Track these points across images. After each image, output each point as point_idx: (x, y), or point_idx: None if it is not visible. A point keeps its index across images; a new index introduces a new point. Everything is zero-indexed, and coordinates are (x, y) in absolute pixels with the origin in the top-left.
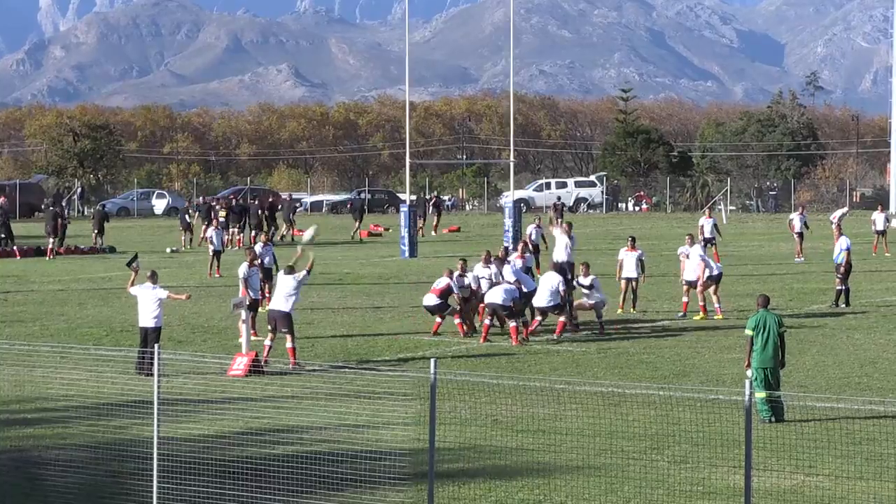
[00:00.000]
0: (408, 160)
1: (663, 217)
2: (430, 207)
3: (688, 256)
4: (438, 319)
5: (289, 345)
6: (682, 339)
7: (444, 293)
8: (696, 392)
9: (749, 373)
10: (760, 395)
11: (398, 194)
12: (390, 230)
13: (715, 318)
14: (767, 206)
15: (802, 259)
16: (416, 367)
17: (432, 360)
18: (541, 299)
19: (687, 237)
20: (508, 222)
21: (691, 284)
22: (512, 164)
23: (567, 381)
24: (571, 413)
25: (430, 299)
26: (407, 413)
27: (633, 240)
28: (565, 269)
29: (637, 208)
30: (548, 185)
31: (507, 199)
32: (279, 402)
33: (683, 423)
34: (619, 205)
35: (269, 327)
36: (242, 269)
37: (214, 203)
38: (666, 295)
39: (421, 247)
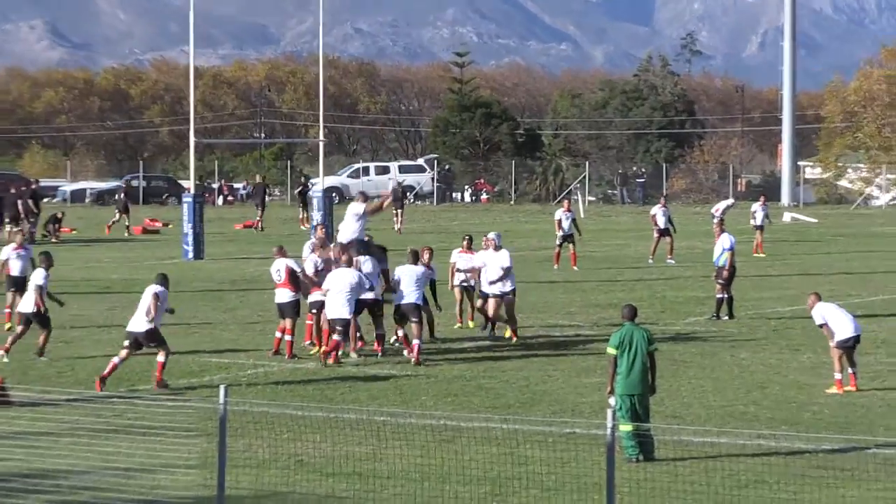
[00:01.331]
0: (192, 139)
1: (508, 210)
2: (297, 196)
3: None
4: (285, 332)
5: (160, 358)
6: (530, 361)
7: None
8: (546, 425)
9: (612, 401)
10: (625, 427)
11: (180, 181)
12: (170, 225)
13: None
14: (634, 197)
15: (672, 261)
16: (202, 396)
17: (221, 388)
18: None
19: (464, 239)
20: (317, 216)
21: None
22: (322, 145)
23: (389, 412)
24: (394, 452)
25: (283, 294)
26: (190, 453)
27: (470, 239)
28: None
29: (475, 199)
30: (365, 171)
31: (316, 187)
32: (31, 441)
33: (532, 462)
34: (454, 194)
35: (125, 343)
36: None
37: None
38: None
39: (210, 246)
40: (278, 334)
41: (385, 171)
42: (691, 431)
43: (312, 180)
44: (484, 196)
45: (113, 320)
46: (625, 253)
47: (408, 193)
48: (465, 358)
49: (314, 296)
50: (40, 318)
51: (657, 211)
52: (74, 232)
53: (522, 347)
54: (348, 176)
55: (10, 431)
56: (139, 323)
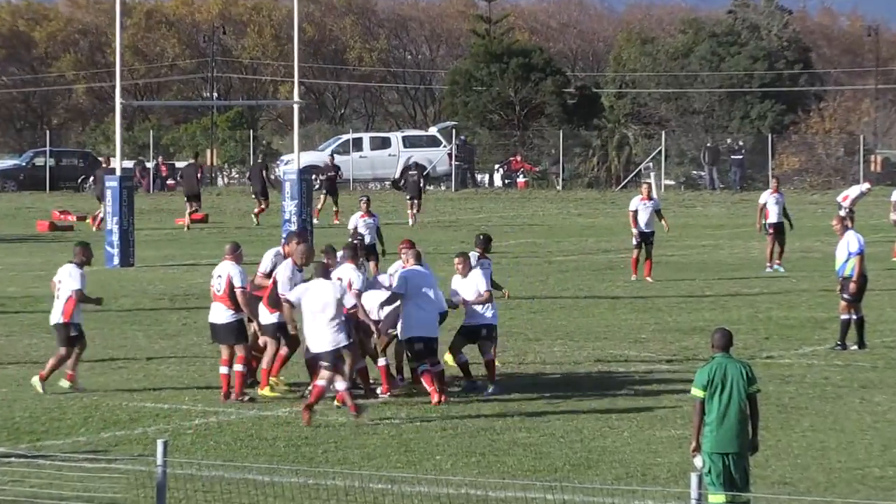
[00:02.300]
0: (118, 100)
1: (553, 198)
2: (320, 181)
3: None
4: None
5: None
6: (584, 407)
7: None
8: (608, 495)
9: (698, 461)
10: (717, 499)
11: (101, 159)
12: (88, 220)
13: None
14: (728, 180)
15: (780, 268)
16: (131, 454)
17: (159, 443)
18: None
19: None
20: (290, 206)
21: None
22: (297, 109)
23: (390, 476)
24: None
25: (267, 317)
26: None
27: (487, 241)
28: None
29: (508, 182)
30: (358, 144)
31: (288, 166)
32: None
33: None
34: (479, 177)
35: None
36: None
37: None
38: (561, 329)
39: (144, 248)
40: (224, 369)
41: (384, 144)
42: None
43: (284, 157)
44: (521, 179)
45: (10, 350)
46: (715, 257)
47: (424, 176)
48: (493, 402)
49: (271, 317)
50: None
51: (768, 199)
52: None
53: (571, 389)
54: (334, 151)
55: None
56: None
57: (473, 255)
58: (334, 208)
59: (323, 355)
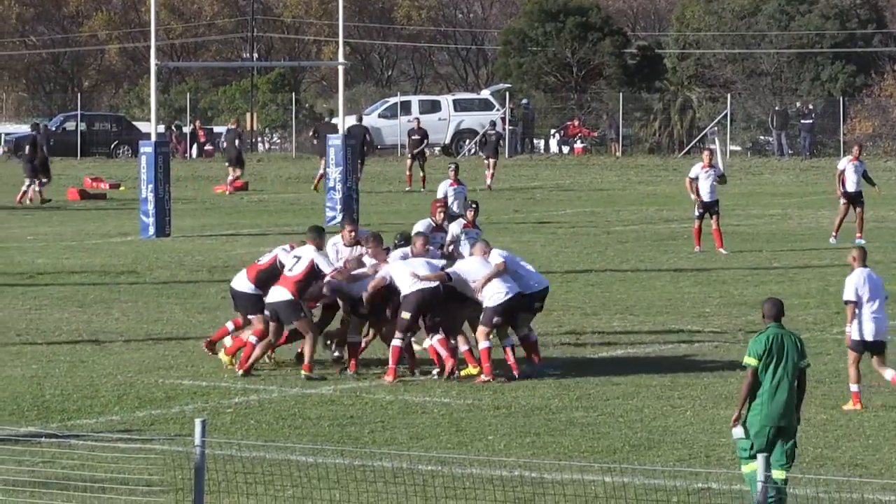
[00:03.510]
0: (153, 61)
1: (612, 164)
2: (413, 139)
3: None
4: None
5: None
6: (644, 385)
7: (305, 281)
8: (669, 477)
9: (739, 431)
10: (751, 468)
11: (136, 123)
12: (122, 187)
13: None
14: (797, 145)
15: (860, 241)
16: (168, 434)
17: (197, 423)
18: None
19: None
20: (334, 172)
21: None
22: (342, 70)
23: (440, 458)
24: None
25: (279, 293)
26: None
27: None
28: None
29: (565, 148)
30: (406, 108)
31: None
32: None
33: None
34: (535, 142)
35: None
36: None
37: None
38: (620, 304)
39: (181, 217)
40: (253, 338)
41: (434, 107)
42: (878, 486)
43: (329, 119)
44: (578, 145)
45: (40, 325)
46: (783, 227)
47: (502, 140)
48: (548, 380)
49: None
50: None
51: (846, 166)
52: None
53: (631, 366)
54: (380, 115)
55: None
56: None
57: (459, 224)
58: (420, 174)
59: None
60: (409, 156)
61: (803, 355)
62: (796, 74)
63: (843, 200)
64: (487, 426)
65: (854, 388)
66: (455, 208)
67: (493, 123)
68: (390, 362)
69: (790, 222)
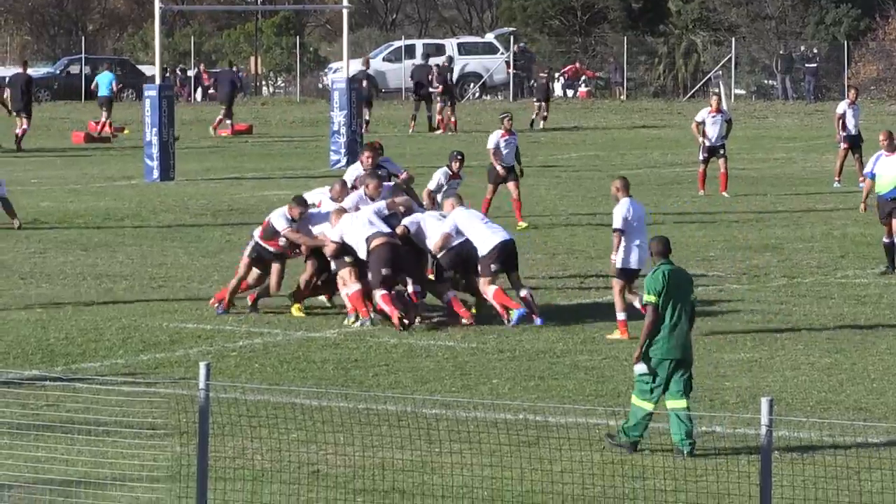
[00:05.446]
0: (157, 4)
1: (616, 108)
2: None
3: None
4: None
5: None
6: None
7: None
8: (656, 419)
9: (641, 368)
10: (648, 406)
11: (140, 67)
12: (126, 131)
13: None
14: (801, 90)
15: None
16: (172, 378)
17: (202, 366)
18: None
19: None
20: (338, 116)
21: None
22: (346, 14)
23: (444, 401)
24: (452, 459)
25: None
26: (157, 460)
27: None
28: None
29: (571, 92)
30: (410, 51)
31: (337, 75)
32: None
33: (651, 475)
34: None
35: None
36: None
37: None
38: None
39: (185, 161)
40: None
41: (439, 51)
42: (882, 430)
43: (332, 65)
44: (582, 88)
45: (44, 268)
46: (788, 171)
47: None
48: (553, 324)
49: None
50: None
51: (845, 110)
52: None
53: (635, 310)
54: (385, 59)
55: None
56: None
57: (443, 172)
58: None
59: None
60: (439, 100)
61: (692, 289)
62: (801, 18)
63: (843, 144)
64: (492, 370)
65: (621, 316)
66: (507, 159)
67: (548, 69)
68: (389, 310)
69: (794, 166)
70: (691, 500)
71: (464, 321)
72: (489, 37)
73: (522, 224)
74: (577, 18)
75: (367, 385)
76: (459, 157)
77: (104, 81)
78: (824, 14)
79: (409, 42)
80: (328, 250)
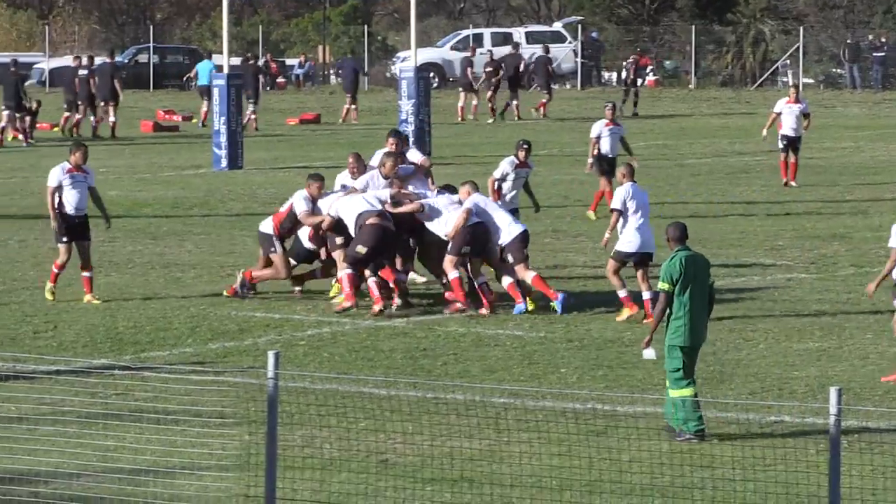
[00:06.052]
0: None
1: (685, 97)
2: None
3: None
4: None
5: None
6: (717, 318)
7: (288, 219)
8: (742, 410)
9: (650, 353)
10: (686, 392)
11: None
12: (195, 120)
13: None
14: (869, 78)
15: None
16: (241, 367)
17: (271, 355)
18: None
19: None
20: (406, 105)
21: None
22: (414, 3)
23: (513, 390)
24: (520, 449)
25: (265, 224)
26: (225, 449)
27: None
28: None
29: (638, 80)
30: (478, 40)
31: (405, 64)
32: None
33: (721, 464)
34: (605, 74)
35: None
36: None
37: None
38: (692, 236)
39: (253, 150)
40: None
41: (507, 39)
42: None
43: (400, 54)
44: (650, 77)
45: (112, 257)
46: (856, 160)
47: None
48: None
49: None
50: None
51: None
52: (56, 130)
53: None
54: (453, 47)
55: None
56: None
57: (509, 161)
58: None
59: None
60: (489, 88)
61: (710, 275)
62: (869, 7)
63: None
64: (560, 359)
65: (623, 293)
66: (609, 150)
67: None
68: (347, 293)
69: (862, 155)
70: (760, 489)
71: (518, 307)
72: (557, 25)
73: (591, 215)
74: (645, 7)
75: (436, 374)
76: (525, 146)
77: (204, 70)
78: (892, 3)
79: (476, 31)
80: (324, 224)
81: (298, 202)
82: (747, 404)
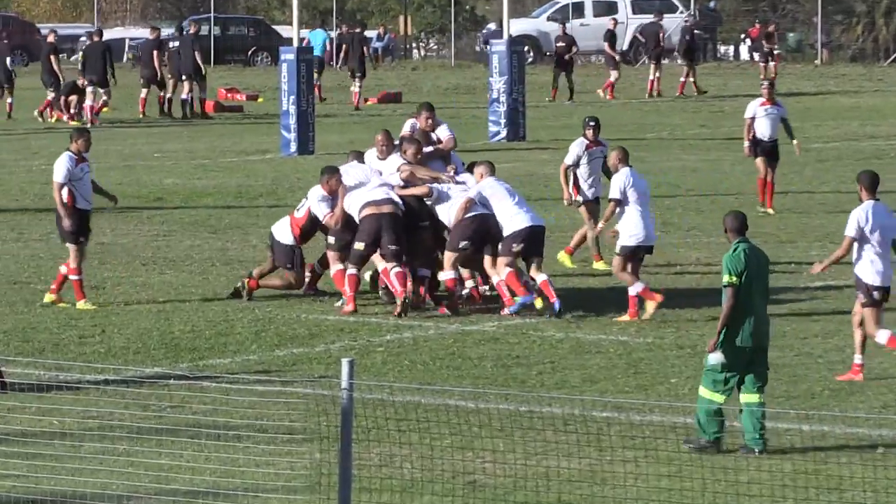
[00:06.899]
0: None
1: (811, 73)
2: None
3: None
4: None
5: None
6: (846, 318)
7: (309, 223)
8: (874, 426)
9: (718, 357)
10: (718, 399)
11: (276, 27)
12: (261, 99)
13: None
14: None
15: None
16: (311, 376)
17: (345, 363)
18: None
19: None
20: (498, 83)
21: None
22: None
23: (616, 403)
24: (626, 468)
25: (284, 233)
26: (294, 468)
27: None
28: None
29: (758, 56)
30: (578, 9)
31: (495, 36)
32: (37, 448)
33: (851, 486)
34: (722, 48)
35: None
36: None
37: None
38: (819, 230)
39: (325, 133)
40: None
41: (610, 9)
42: None
43: (491, 25)
44: (774, 53)
45: (168, 252)
46: None
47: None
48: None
49: None
50: None
51: None
52: (106, 110)
53: (832, 300)
54: (549, 18)
55: (4, 432)
56: None
57: (578, 143)
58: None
59: None
60: (554, 66)
61: (769, 271)
62: None
63: None
64: (670, 367)
65: (639, 287)
66: (765, 132)
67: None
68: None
69: None
70: None
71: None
72: None
73: (769, 210)
74: None
75: (530, 385)
76: (592, 124)
77: (318, 41)
78: None
79: (576, 0)
80: (330, 220)
81: (316, 206)
82: (880, 419)
